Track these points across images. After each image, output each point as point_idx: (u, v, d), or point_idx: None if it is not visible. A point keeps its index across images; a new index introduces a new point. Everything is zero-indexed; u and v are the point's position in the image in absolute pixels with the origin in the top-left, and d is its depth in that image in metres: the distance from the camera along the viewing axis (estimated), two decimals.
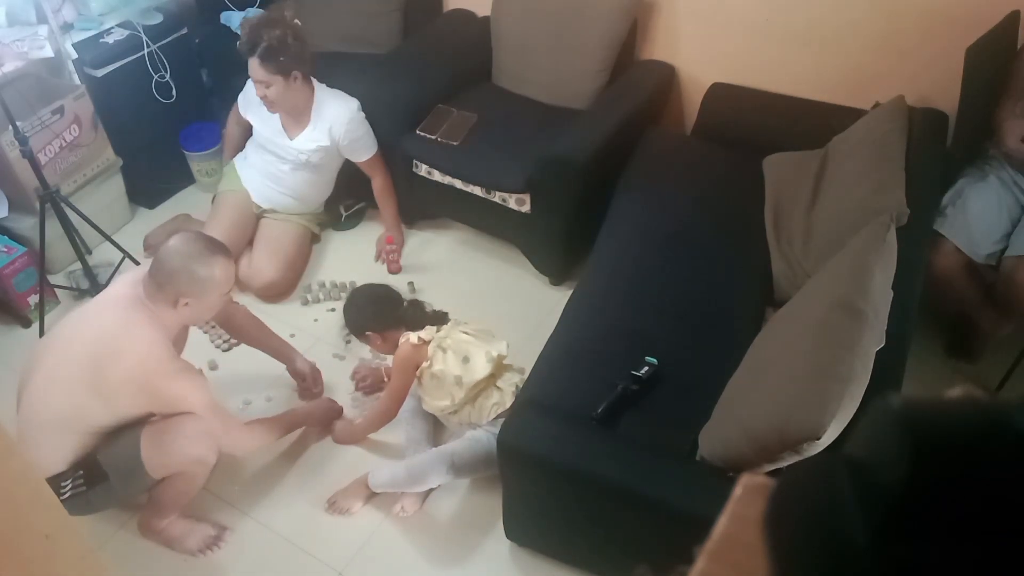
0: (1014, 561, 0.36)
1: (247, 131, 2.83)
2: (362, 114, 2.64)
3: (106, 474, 1.79)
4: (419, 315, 2.08)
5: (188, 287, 1.75)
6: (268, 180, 2.74)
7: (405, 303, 2.11)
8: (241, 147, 2.87)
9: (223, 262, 1.80)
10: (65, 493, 1.77)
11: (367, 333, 2.08)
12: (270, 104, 2.54)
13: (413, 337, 1.98)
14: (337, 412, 2.27)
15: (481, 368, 1.94)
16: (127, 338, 1.72)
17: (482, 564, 1.96)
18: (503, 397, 1.98)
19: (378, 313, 2.08)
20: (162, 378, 1.74)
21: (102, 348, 1.71)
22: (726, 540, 0.51)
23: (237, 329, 2.26)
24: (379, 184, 2.79)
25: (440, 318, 2.09)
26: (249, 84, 2.68)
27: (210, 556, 1.97)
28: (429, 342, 1.97)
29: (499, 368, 2.02)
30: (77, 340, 1.76)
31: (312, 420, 2.22)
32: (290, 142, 2.65)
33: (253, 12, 3.13)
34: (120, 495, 1.87)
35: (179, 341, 1.94)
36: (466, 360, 1.95)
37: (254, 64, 2.43)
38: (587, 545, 1.81)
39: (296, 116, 2.62)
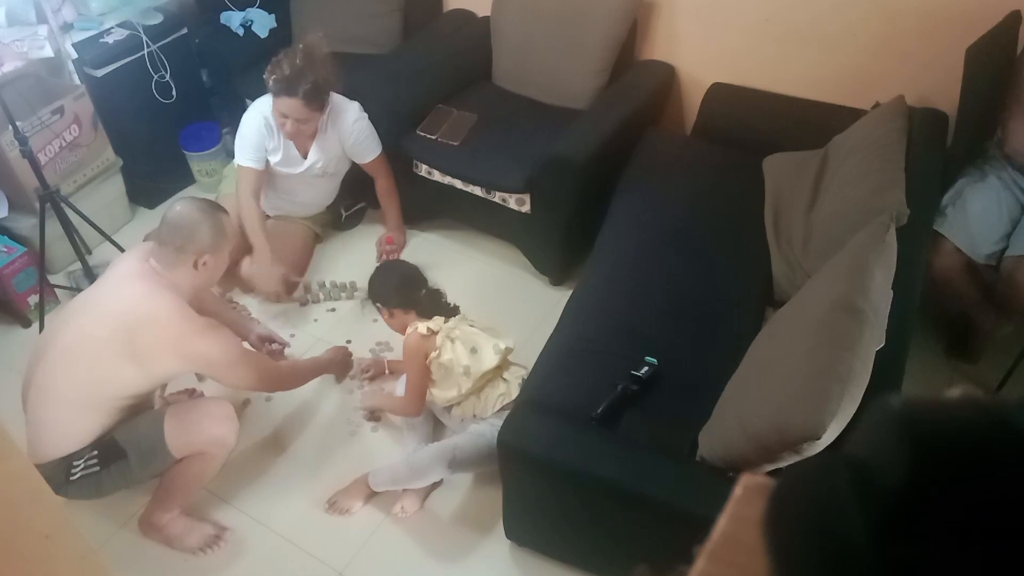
0: (1014, 561, 0.36)
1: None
2: (364, 115, 2.64)
3: (123, 452, 1.80)
4: (433, 304, 2.08)
5: (210, 240, 1.83)
6: (280, 192, 2.74)
7: (424, 290, 2.10)
8: (262, 216, 2.63)
9: (226, 216, 1.91)
10: (76, 473, 1.78)
11: (377, 305, 2.12)
12: (293, 136, 2.51)
13: (421, 327, 1.98)
14: (348, 356, 2.41)
15: (489, 359, 1.96)
16: (155, 304, 1.77)
17: (482, 564, 1.96)
18: (509, 388, 1.99)
19: (399, 291, 2.08)
20: (192, 335, 1.79)
21: (133, 317, 1.75)
22: (726, 540, 0.51)
23: (198, 303, 2.23)
24: (383, 185, 2.78)
25: (452, 311, 2.10)
26: (252, 132, 2.52)
27: (210, 555, 1.97)
28: (437, 332, 1.98)
29: (506, 361, 2.04)
30: (98, 316, 1.78)
31: (331, 367, 2.35)
32: (305, 160, 2.63)
33: (254, 12, 3.13)
34: (135, 475, 1.86)
35: (192, 297, 1.95)
36: (474, 351, 1.97)
37: (295, 104, 2.36)
38: (587, 545, 1.81)
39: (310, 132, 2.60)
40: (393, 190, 2.80)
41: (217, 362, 1.87)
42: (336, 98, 2.61)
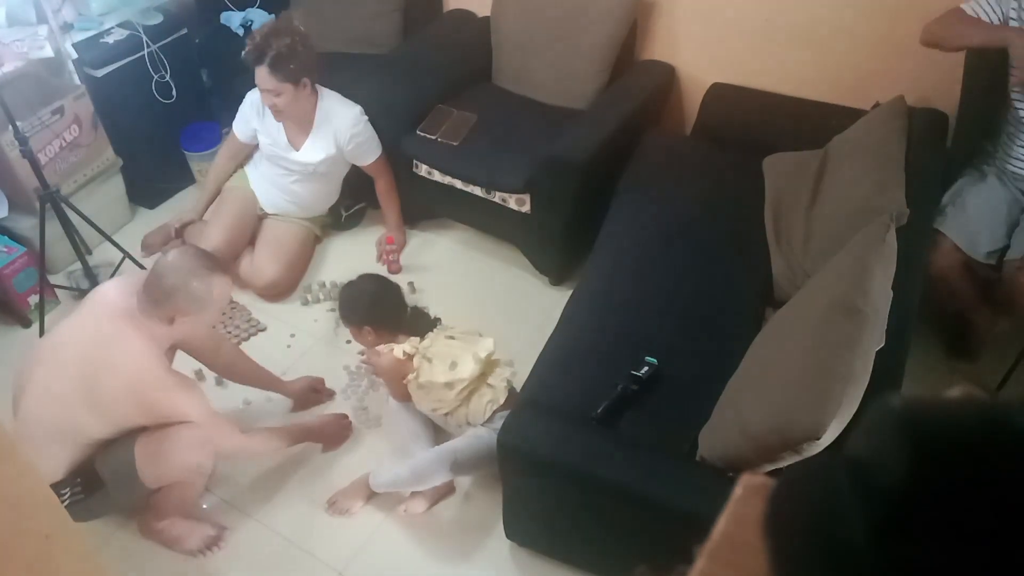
0: (1013, 561, 0.36)
1: (239, 162, 2.81)
2: (365, 118, 2.64)
3: (102, 482, 1.78)
4: (420, 323, 2.08)
5: (185, 305, 1.73)
6: (276, 189, 2.75)
7: (409, 310, 2.10)
8: (226, 179, 2.83)
9: (220, 279, 1.77)
10: (64, 501, 1.76)
11: (364, 328, 2.05)
12: (278, 113, 2.52)
13: (397, 351, 1.98)
14: (347, 430, 2.22)
15: (469, 370, 1.94)
16: (121, 354, 1.70)
17: (482, 564, 1.96)
18: (496, 394, 1.98)
19: (379, 314, 2.05)
20: (159, 393, 1.73)
21: (95, 365, 1.70)
22: (726, 540, 0.51)
23: (225, 366, 2.18)
24: (383, 186, 2.79)
25: (432, 324, 2.09)
26: (246, 105, 2.67)
27: (210, 556, 1.97)
28: (413, 356, 1.98)
29: (488, 366, 2.01)
30: (70, 355, 1.74)
31: (322, 436, 2.16)
32: (297, 154, 2.64)
33: (254, 12, 3.13)
34: (119, 502, 1.88)
35: (171, 350, 1.93)
36: (453, 365, 1.95)
37: (263, 73, 2.40)
38: (587, 545, 1.81)
39: (301, 125, 2.61)
40: (393, 190, 2.81)
41: (181, 420, 1.79)
42: (333, 99, 2.62)
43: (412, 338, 2.02)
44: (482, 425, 1.98)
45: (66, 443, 1.77)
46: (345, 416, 2.25)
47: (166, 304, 1.72)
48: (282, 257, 2.69)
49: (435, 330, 2.06)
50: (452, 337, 2.03)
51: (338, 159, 2.68)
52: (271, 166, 2.73)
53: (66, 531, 1.18)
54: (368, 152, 2.68)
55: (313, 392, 2.32)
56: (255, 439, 2.01)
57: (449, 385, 1.94)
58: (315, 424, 2.17)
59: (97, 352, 1.70)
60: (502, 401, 1.97)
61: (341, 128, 2.60)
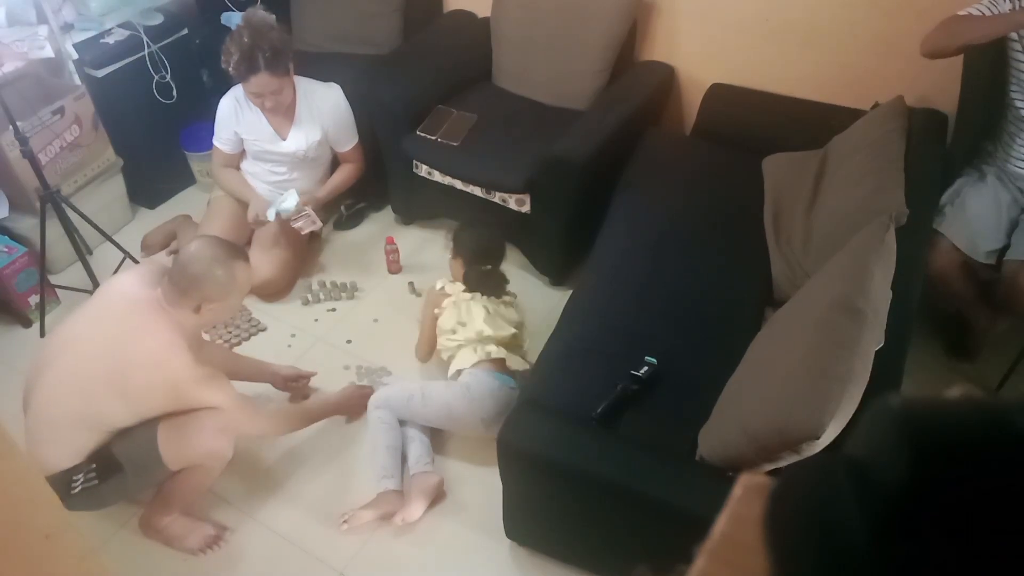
0: (1013, 561, 0.36)
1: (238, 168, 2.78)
2: (345, 99, 2.65)
3: (120, 466, 1.80)
4: (480, 280, 2.26)
5: (212, 292, 1.78)
6: (270, 187, 2.73)
7: (487, 267, 2.29)
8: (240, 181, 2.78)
9: (242, 265, 1.84)
10: (76, 487, 1.77)
11: (456, 258, 2.33)
12: (275, 110, 2.52)
13: (446, 285, 2.28)
14: (365, 396, 2.22)
15: (465, 335, 2.15)
16: (150, 346, 1.73)
17: (482, 564, 1.96)
18: (511, 360, 2.14)
19: (468, 254, 2.31)
20: (188, 384, 1.77)
21: (125, 357, 1.72)
22: (725, 540, 0.51)
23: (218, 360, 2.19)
24: (353, 171, 2.78)
25: (495, 292, 2.26)
26: (224, 113, 2.63)
27: (210, 555, 1.97)
28: (448, 296, 2.25)
29: (510, 344, 2.19)
30: (95, 346, 1.75)
31: (343, 409, 2.23)
32: (284, 143, 2.63)
33: None
34: (133, 488, 1.88)
35: (195, 337, 1.95)
36: (461, 324, 2.18)
37: (264, 78, 2.39)
38: (587, 545, 1.81)
39: (285, 113, 2.60)
40: (356, 176, 2.80)
41: (209, 406, 1.84)
42: (308, 81, 2.63)
43: (458, 284, 2.27)
44: (450, 377, 2.15)
45: (86, 430, 1.79)
46: (362, 386, 2.30)
47: (193, 293, 1.77)
48: (276, 255, 2.67)
49: (482, 298, 2.22)
50: (488, 308, 2.20)
51: (324, 143, 2.68)
52: (260, 164, 2.71)
53: (66, 531, 1.18)
54: (349, 135, 2.69)
55: (287, 383, 2.32)
56: (280, 419, 2.05)
57: (450, 334, 2.19)
58: (337, 400, 2.22)
59: (127, 346, 1.73)
60: (498, 356, 2.12)
61: (325, 109, 2.60)
